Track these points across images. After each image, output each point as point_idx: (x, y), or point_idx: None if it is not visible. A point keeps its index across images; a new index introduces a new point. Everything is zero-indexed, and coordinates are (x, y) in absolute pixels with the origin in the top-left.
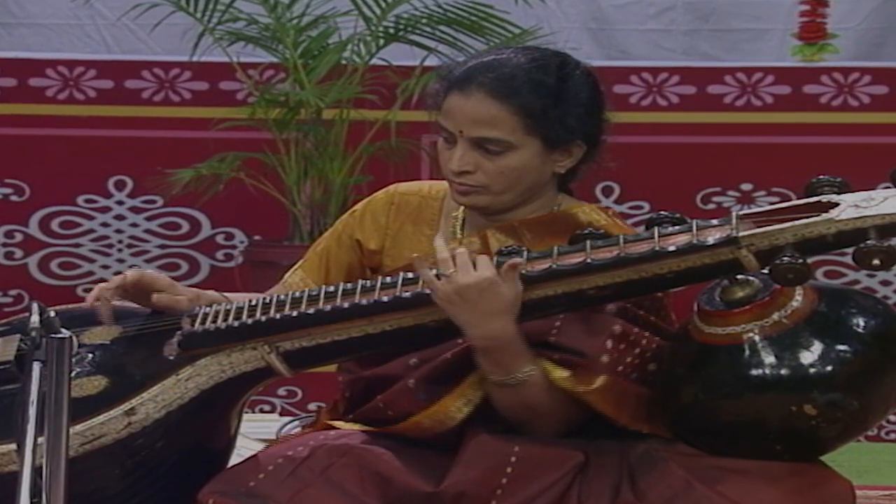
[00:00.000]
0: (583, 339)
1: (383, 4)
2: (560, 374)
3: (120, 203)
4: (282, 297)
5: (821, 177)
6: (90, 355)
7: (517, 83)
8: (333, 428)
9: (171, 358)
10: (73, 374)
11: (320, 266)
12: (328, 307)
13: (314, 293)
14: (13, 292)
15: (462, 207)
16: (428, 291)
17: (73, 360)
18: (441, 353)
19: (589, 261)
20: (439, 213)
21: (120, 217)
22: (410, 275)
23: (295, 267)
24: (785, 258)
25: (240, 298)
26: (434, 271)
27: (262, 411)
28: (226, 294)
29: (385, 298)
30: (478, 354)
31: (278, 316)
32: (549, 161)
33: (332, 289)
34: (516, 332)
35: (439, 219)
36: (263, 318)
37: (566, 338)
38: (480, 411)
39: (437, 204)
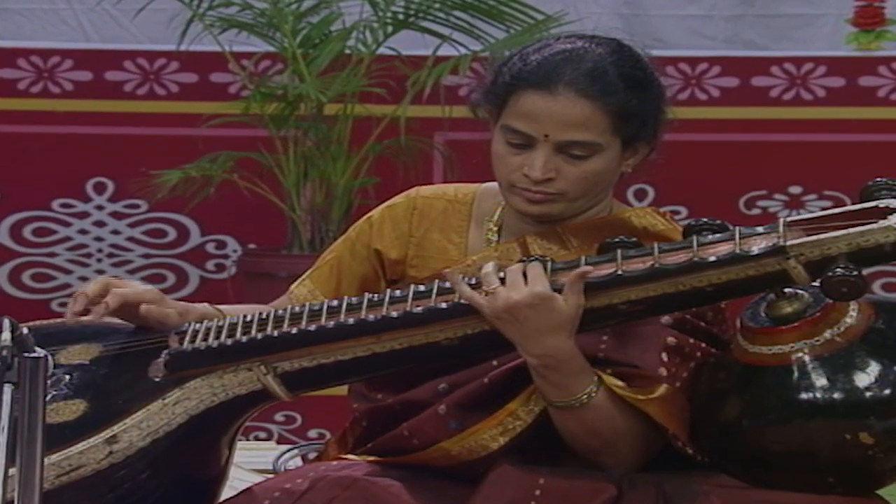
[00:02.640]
0: (635, 353)
1: None
2: (616, 382)
3: (99, 208)
4: (280, 312)
5: (878, 179)
6: (67, 377)
7: (609, 79)
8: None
9: (157, 380)
10: (48, 397)
11: (331, 277)
12: (331, 323)
13: (316, 308)
14: None
15: (499, 211)
16: (443, 306)
17: (49, 382)
18: (476, 377)
19: (620, 272)
20: (468, 218)
21: (99, 223)
22: (422, 287)
23: (303, 277)
24: (838, 270)
25: (234, 312)
26: (470, 282)
27: (257, 439)
28: (219, 307)
29: (394, 314)
30: (534, 375)
31: (276, 333)
32: (622, 161)
33: (335, 303)
34: (575, 350)
35: (469, 225)
36: (260, 336)
37: (616, 352)
38: (519, 444)
39: (466, 209)
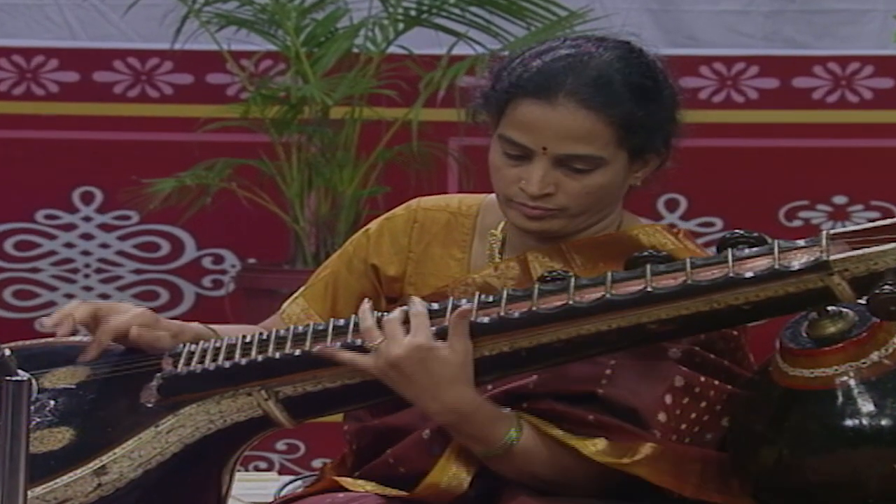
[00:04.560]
0: (636, 392)
1: None
2: (594, 446)
3: (87, 219)
4: (282, 332)
5: None
6: (52, 402)
7: (615, 89)
8: (341, 487)
9: (150, 406)
10: (32, 425)
11: (326, 294)
12: (337, 345)
13: (320, 328)
14: None
15: (502, 225)
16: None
17: (33, 408)
18: None
19: (650, 289)
20: (472, 232)
21: (87, 236)
22: (436, 305)
23: (295, 295)
24: (886, 287)
25: (231, 333)
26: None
27: (257, 469)
28: (214, 328)
29: None
30: (448, 430)
31: (278, 355)
32: (629, 174)
33: (341, 322)
34: (478, 399)
35: (472, 239)
36: (260, 358)
37: (617, 389)
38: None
39: (470, 222)
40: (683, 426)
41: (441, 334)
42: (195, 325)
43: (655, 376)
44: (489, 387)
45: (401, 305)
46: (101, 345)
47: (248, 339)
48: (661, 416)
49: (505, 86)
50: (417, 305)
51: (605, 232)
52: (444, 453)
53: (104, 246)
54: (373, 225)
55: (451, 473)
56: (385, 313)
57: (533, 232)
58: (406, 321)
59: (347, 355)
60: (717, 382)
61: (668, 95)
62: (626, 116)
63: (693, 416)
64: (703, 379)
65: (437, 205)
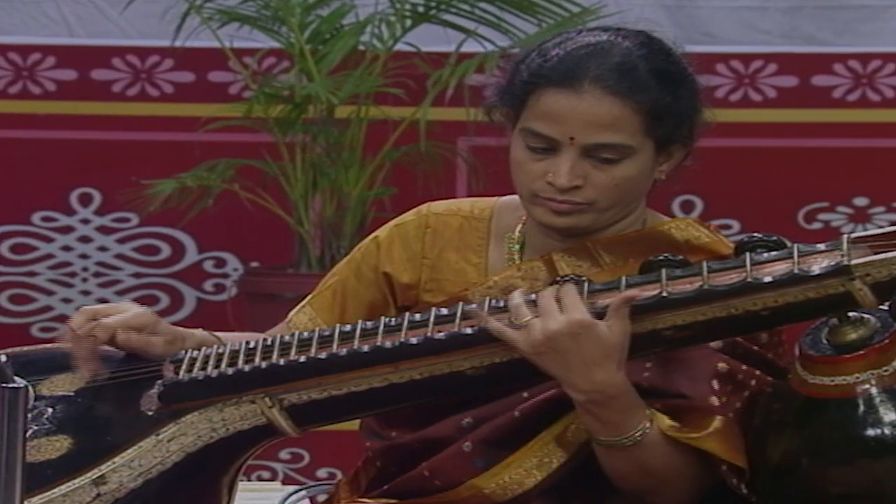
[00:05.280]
0: (683, 382)
1: None
2: (666, 422)
3: (85, 222)
4: (287, 338)
5: None
6: (50, 410)
7: (639, 75)
8: None
9: (150, 413)
10: (28, 433)
11: (334, 303)
12: (344, 351)
13: (326, 333)
14: None
15: (520, 227)
16: (468, 331)
17: (30, 416)
18: (505, 410)
19: (665, 294)
20: (487, 236)
21: (85, 239)
22: (445, 311)
23: (302, 303)
24: None
25: (234, 339)
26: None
27: (260, 479)
28: (217, 334)
29: (414, 340)
30: (580, 411)
31: (282, 361)
32: (655, 167)
33: (348, 328)
34: (626, 383)
35: (488, 243)
36: (264, 365)
37: (662, 379)
38: (557, 483)
39: (483, 226)
40: (731, 414)
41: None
42: (198, 331)
43: (698, 363)
44: (524, 394)
45: (416, 312)
46: (99, 340)
47: (251, 345)
48: (714, 400)
49: (525, 77)
50: (568, 285)
51: (632, 229)
52: (488, 467)
53: (103, 249)
54: (382, 232)
55: (505, 475)
56: (533, 293)
57: (560, 228)
58: (558, 300)
59: (497, 325)
60: (758, 372)
61: (690, 84)
62: (654, 103)
63: (738, 405)
64: (744, 367)
65: (448, 209)
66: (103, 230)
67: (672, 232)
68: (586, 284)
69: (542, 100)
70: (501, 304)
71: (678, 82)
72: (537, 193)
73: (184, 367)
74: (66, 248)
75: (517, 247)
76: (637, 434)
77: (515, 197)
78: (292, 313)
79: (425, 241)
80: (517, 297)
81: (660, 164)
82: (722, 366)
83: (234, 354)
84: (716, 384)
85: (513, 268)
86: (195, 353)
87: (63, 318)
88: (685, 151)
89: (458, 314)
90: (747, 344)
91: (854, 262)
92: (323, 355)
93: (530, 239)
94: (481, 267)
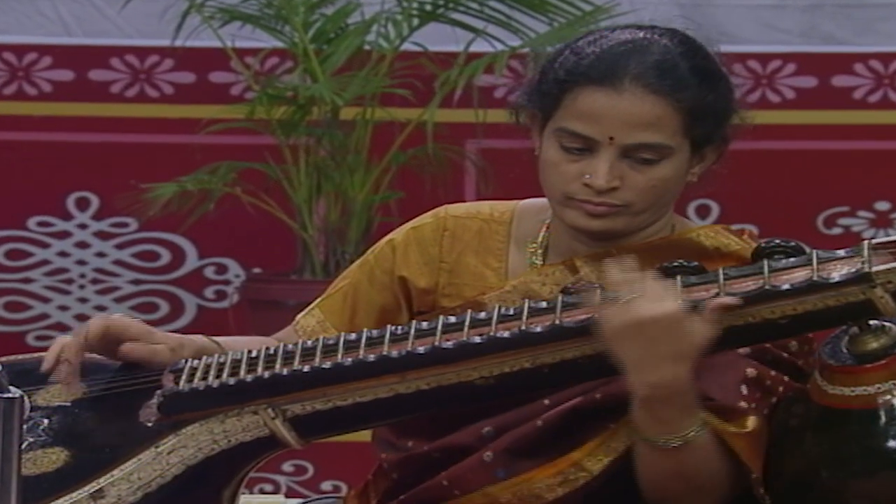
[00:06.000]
0: (712, 386)
1: None
2: (714, 419)
3: (82, 227)
4: (290, 347)
5: None
6: (46, 421)
7: (680, 73)
8: None
9: (150, 425)
10: (24, 445)
11: (344, 306)
12: (349, 360)
13: (331, 342)
14: None
15: (543, 232)
16: (476, 340)
17: (25, 427)
18: (527, 419)
19: (680, 302)
20: (507, 240)
21: (82, 244)
22: (453, 319)
23: (311, 306)
24: None
25: (235, 346)
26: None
27: (262, 492)
28: (218, 340)
29: (421, 349)
30: (637, 406)
31: (286, 371)
32: (689, 168)
33: (353, 337)
34: (691, 383)
35: (508, 247)
36: (267, 374)
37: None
38: (581, 498)
39: (504, 229)
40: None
41: None
42: (198, 337)
43: (726, 368)
44: (545, 401)
45: (430, 318)
46: (88, 336)
47: (253, 355)
48: (742, 405)
49: (560, 76)
50: (671, 280)
51: (659, 235)
52: (510, 477)
53: (100, 255)
54: (397, 235)
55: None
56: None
57: (594, 232)
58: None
59: (596, 298)
60: (786, 379)
61: (728, 82)
62: (695, 102)
63: (766, 412)
64: (773, 373)
65: (467, 212)
66: (101, 235)
67: (702, 240)
68: (599, 292)
69: (580, 99)
70: (511, 311)
71: (717, 81)
72: (572, 196)
73: (184, 376)
74: (63, 254)
75: (540, 251)
76: (689, 434)
77: (537, 201)
78: (300, 316)
79: (443, 245)
80: (620, 275)
81: (692, 166)
82: (751, 371)
83: (236, 364)
84: (745, 389)
85: (533, 272)
86: (195, 362)
87: (60, 326)
88: (717, 153)
89: (467, 322)
90: (777, 351)
91: (875, 268)
92: (327, 365)
93: (554, 243)
94: (501, 271)
